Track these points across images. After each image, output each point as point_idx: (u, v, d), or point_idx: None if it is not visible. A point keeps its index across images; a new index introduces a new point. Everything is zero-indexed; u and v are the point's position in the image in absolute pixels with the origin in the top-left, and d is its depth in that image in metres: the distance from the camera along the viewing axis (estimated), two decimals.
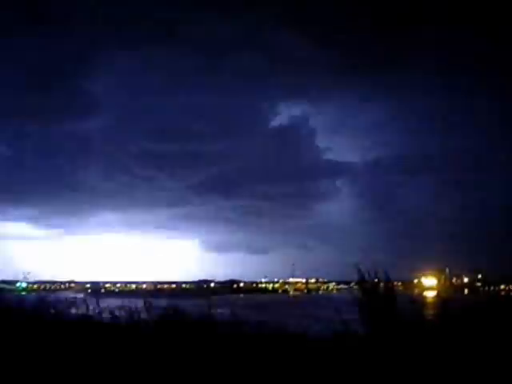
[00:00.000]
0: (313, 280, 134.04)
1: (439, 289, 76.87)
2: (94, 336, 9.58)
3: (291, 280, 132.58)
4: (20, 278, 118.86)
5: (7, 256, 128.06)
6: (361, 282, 8.14)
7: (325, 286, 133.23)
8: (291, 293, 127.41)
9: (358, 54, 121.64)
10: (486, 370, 6.70)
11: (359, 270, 8.21)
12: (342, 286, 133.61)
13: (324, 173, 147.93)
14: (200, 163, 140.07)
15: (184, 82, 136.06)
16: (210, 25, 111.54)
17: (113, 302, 12.63)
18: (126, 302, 11.02)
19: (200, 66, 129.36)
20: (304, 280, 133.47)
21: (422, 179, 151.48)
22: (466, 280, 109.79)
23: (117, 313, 11.07)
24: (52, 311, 11.98)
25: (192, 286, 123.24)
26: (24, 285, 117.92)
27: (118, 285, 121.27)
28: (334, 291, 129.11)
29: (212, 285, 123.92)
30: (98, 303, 12.42)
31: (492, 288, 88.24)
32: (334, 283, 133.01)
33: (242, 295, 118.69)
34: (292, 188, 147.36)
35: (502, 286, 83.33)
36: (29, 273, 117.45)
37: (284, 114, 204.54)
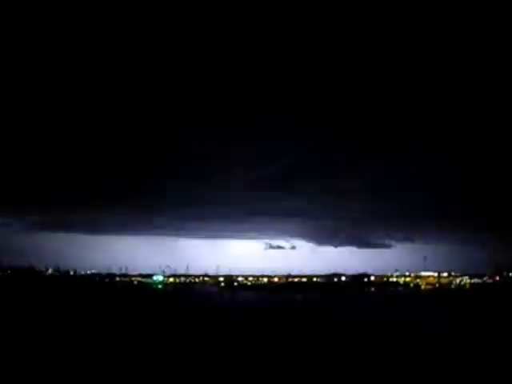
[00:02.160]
0: (445, 274, 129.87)
1: None
2: None
3: (423, 274, 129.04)
4: (156, 271, 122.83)
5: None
6: None
7: (457, 280, 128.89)
8: (422, 287, 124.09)
9: None
10: None
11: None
12: (475, 280, 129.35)
13: None
14: None
15: None
16: None
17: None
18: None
19: None
20: (436, 274, 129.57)
21: None
22: None
23: None
24: None
25: (322, 279, 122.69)
26: (160, 278, 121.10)
27: (250, 278, 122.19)
28: (467, 286, 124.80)
29: (343, 278, 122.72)
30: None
31: None
32: (467, 277, 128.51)
33: (372, 289, 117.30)
34: None
35: None
36: (167, 266, 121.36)
37: None
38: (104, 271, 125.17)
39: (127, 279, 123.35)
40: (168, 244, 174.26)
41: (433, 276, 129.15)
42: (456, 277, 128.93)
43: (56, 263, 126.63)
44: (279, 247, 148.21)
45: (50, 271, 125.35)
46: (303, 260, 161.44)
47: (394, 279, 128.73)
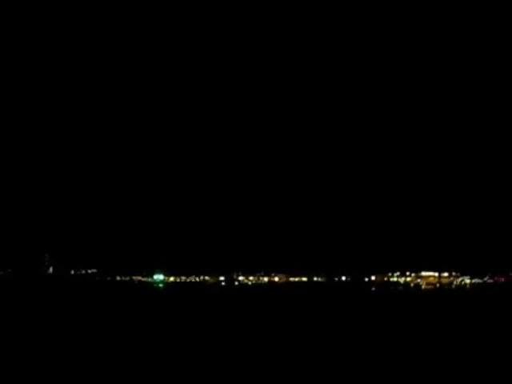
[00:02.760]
0: (446, 274, 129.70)
1: None
2: None
3: (423, 274, 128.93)
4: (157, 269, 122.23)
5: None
6: None
7: (458, 281, 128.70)
8: (423, 287, 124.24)
9: None
10: None
11: None
12: (475, 280, 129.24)
13: None
14: None
15: None
16: None
17: None
18: None
19: None
20: (436, 274, 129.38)
21: None
22: None
23: None
24: None
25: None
26: (161, 277, 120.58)
27: (251, 277, 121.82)
28: (468, 286, 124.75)
29: (343, 278, 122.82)
30: None
31: None
32: (468, 277, 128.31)
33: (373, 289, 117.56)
34: None
35: None
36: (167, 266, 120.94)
37: None
38: (104, 270, 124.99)
39: (127, 278, 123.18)
40: None
41: (433, 276, 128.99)
42: (456, 277, 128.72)
43: (56, 262, 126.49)
44: None
45: (50, 270, 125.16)
46: None
47: (395, 279, 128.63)
